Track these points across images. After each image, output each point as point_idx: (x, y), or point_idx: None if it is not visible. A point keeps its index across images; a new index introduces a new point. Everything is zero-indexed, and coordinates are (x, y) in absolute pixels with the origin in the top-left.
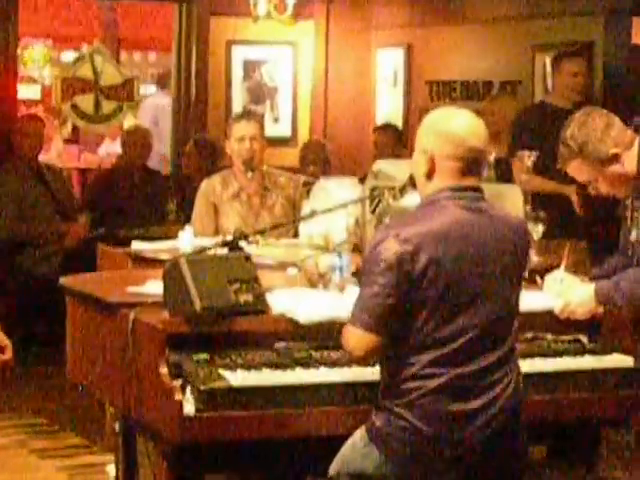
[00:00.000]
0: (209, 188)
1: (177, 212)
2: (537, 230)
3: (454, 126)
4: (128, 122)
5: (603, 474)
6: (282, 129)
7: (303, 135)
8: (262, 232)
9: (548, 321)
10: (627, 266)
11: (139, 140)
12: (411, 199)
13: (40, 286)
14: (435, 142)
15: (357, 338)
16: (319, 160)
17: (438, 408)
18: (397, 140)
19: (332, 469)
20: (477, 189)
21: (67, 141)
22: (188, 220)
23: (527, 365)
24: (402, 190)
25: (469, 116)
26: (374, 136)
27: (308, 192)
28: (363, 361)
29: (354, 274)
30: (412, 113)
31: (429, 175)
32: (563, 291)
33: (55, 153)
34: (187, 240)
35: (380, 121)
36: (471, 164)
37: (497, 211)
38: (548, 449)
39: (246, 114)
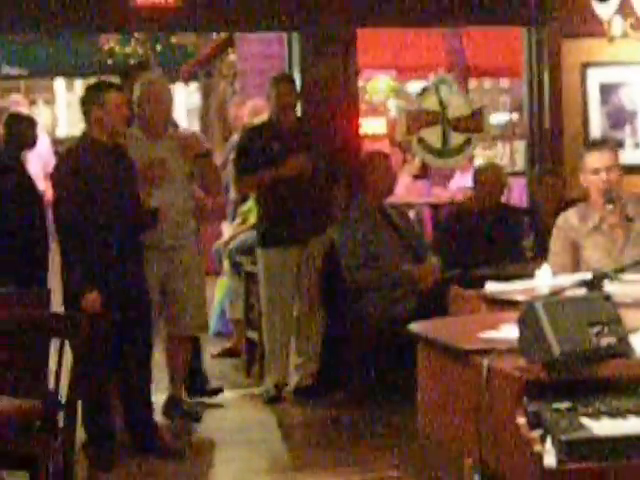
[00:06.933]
0: (566, 223)
1: (534, 249)
2: None
3: None
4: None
5: None
6: None
7: None
8: (622, 270)
9: None
10: None
11: (491, 177)
12: None
13: (391, 330)
14: None
15: None
16: None
17: None
18: None
19: None
20: None
21: (416, 176)
22: (545, 257)
23: None
24: None
25: None
26: None
27: None
28: None
29: None
30: None
31: None
32: None
33: (403, 189)
34: (545, 279)
35: None
36: None
37: None
38: None
39: (599, 143)
